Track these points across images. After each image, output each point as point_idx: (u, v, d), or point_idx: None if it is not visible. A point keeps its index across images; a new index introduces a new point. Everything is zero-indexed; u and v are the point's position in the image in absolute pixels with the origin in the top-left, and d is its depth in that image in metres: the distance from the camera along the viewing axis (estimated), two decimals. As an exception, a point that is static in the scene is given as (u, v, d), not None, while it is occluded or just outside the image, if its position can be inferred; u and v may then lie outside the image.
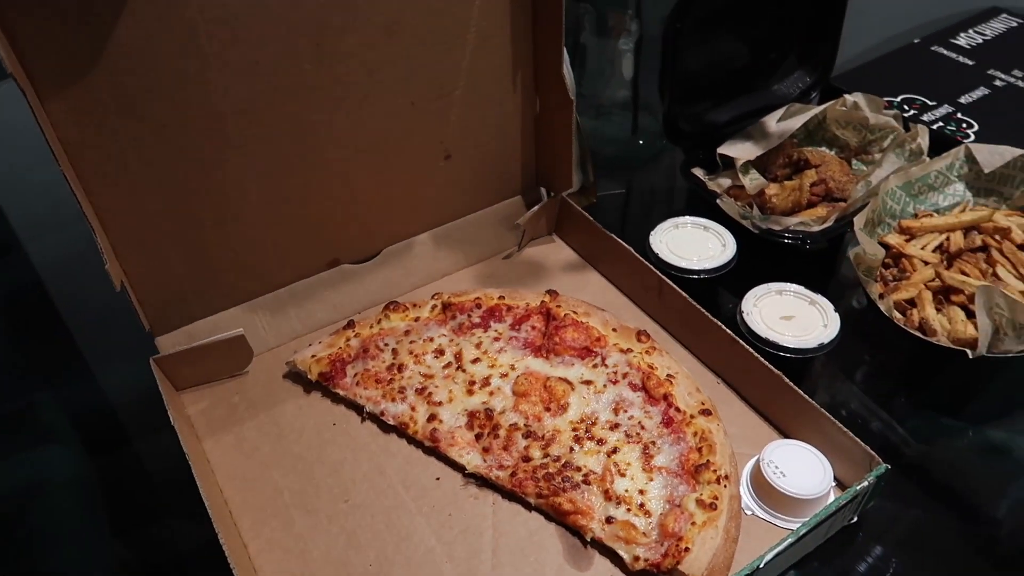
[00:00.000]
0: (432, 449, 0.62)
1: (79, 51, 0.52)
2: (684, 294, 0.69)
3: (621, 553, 0.54)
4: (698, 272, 0.75)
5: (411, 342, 0.70)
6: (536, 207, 0.81)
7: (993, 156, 0.77)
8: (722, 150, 0.83)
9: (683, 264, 0.76)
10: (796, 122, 0.84)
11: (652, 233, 0.79)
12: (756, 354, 0.63)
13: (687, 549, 0.52)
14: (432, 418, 0.64)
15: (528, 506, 0.59)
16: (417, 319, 0.73)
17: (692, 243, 0.78)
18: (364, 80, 0.65)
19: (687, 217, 0.80)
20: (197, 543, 0.60)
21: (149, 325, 0.66)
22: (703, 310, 0.67)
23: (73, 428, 0.72)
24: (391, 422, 0.64)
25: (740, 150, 0.83)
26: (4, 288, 0.88)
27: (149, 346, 0.67)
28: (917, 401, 0.69)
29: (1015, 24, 1.10)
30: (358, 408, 0.66)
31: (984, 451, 0.65)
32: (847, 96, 0.87)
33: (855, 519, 0.57)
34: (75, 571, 0.61)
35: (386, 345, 0.70)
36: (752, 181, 0.82)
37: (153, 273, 0.64)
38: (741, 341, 0.64)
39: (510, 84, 0.74)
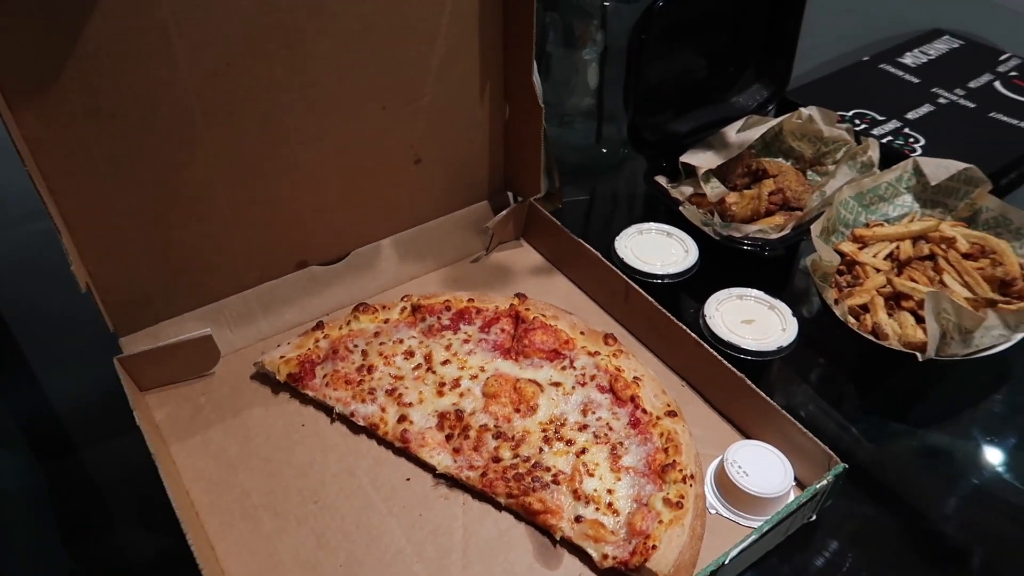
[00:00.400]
0: (402, 450, 0.62)
1: (47, 50, 0.50)
2: (650, 298, 0.70)
3: (590, 551, 0.54)
4: (662, 277, 0.76)
5: (381, 343, 0.69)
6: (505, 211, 0.81)
7: (939, 169, 0.79)
8: (684, 159, 0.85)
9: (647, 269, 0.76)
10: (754, 133, 0.86)
11: (617, 238, 0.79)
12: (720, 358, 0.63)
13: (654, 547, 0.53)
14: (402, 419, 0.63)
15: (498, 506, 0.59)
16: (387, 321, 0.72)
17: (656, 249, 0.79)
18: (335, 84, 0.64)
19: (651, 223, 0.81)
20: (151, 553, 0.59)
21: (113, 326, 0.64)
22: (668, 314, 0.68)
23: (22, 433, 0.69)
24: (361, 423, 0.63)
25: (701, 159, 0.85)
26: None
27: (104, 348, 0.65)
28: (869, 403, 0.71)
29: (956, 45, 1.15)
30: (327, 409, 0.65)
31: (929, 452, 0.67)
32: (802, 109, 0.89)
33: (814, 517, 0.59)
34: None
35: (356, 346, 0.69)
36: (713, 189, 0.83)
37: (118, 273, 0.62)
38: (705, 345, 0.65)
39: (480, 91, 0.74)
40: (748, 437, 0.63)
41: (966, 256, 0.72)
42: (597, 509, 0.56)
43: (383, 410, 0.64)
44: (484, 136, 0.78)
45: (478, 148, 0.78)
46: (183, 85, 0.56)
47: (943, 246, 0.73)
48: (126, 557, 0.59)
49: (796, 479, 0.59)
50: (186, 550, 0.49)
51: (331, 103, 0.65)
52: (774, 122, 0.88)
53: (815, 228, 0.72)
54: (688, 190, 0.86)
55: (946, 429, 0.69)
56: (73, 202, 0.57)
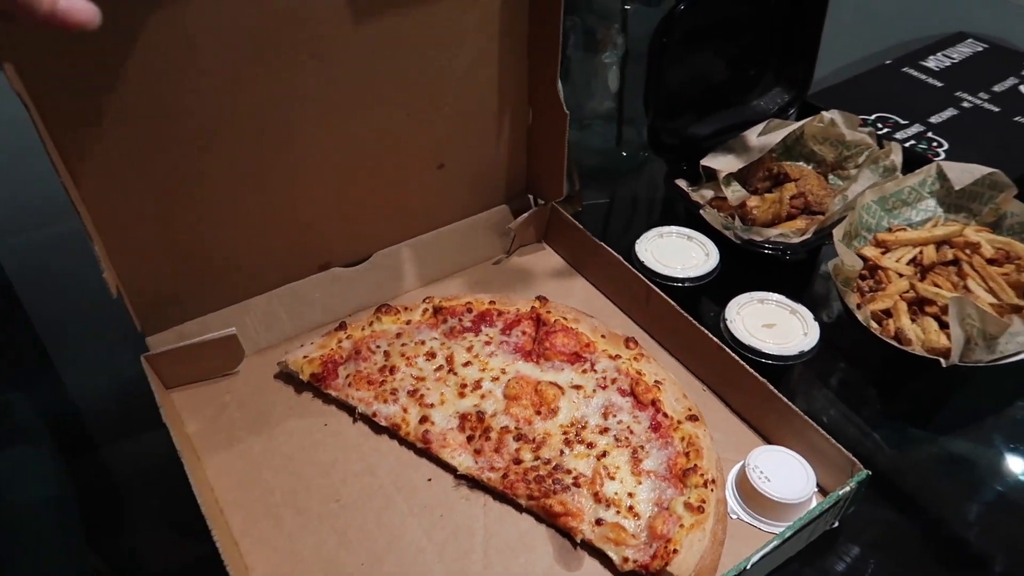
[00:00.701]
0: (424, 450, 0.62)
1: (79, 62, 0.50)
2: (671, 302, 0.69)
3: (610, 554, 0.54)
4: (682, 280, 0.75)
5: (403, 345, 0.69)
6: (527, 213, 0.80)
7: (963, 174, 0.78)
8: (705, 162, 0.84)
9: (667, 272, 0.76)
10: (775, 137, 0.85)
11: (637, 241, 0.79)
12: (742, 362, 0.63)
13: (675, 551, 0.52)
14: (424, 420, 0.63)
15: (519, 508, 0.58)
16: (408, 322, 0.72)
17: (676, 252, 0.78)
18: (360, 92, 0.64)
19: (671, 227, 0.81)
20: (175, 551, 0.59)
21: (140, 326, 0.64)
22: (690, 318, 0.67)
23: (47, 429, 0.69)
24: (383, 423, 0.63)
25: (722, 162, 0.84)
26: None
27: (129, 348, 0.65)
28: (891, 409, 0.70)
29: (980, 49, 1.13)
30: (350, 409, 0.65)
31: (952, 459, 0.66)
32: (824, 113, 0.88)
33: (836, 524, 0.58)
34: (47, 573, 0.58)
35: (378, 347, 0.69)
36: (734, 193, 0.83)
37: (146, 274, 0.63)
38: (727, 349, 0.64)
39: (503, 97, 0.74)
40: (770, 442, 0.62)
41: (990, 261, 0.71)
42: (618, 512, 0.56)
43: (405, 410, 0.64)
44: (507, 141, 0.78)
45: (501, 153, 0.78)
46: (209, 94, 0.57)
47: (967, 251, 0.72)
48: (150, 556, 0.60)
49: (818, 485, 0.58)
50: (208, 549, 0.49)
51: (356, 111, 0.65)
52: (795, 126, 0.86)
53: (837, 232, 0.71)
54: (708, 193, 0.85)
55: (969, 435, 0.68)
56: (103, 208, 0.57)
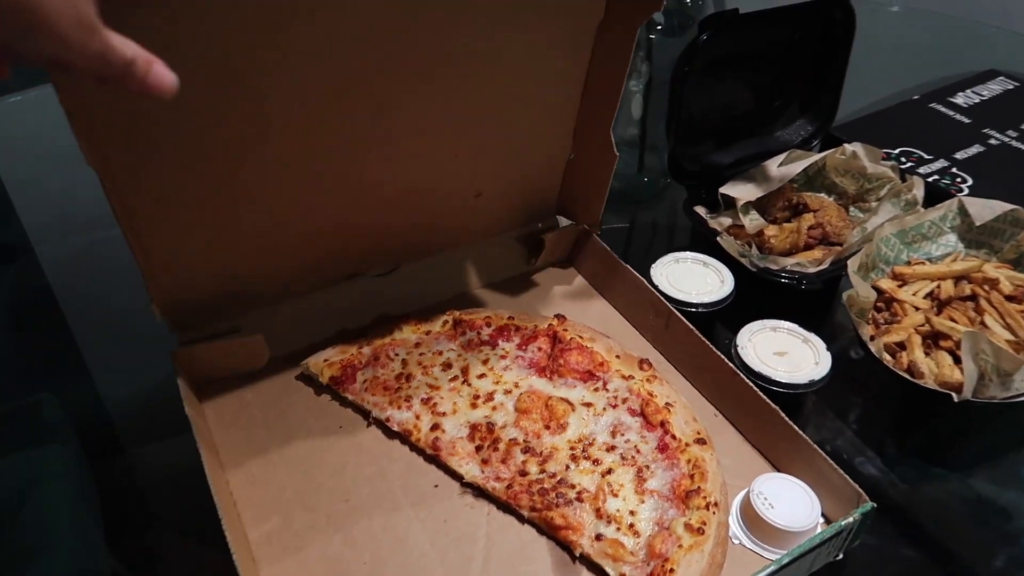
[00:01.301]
0: (433, 457, 0.62)
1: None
2: (690, 326, 0.68)
3: (608, 569, 0.53)
4: (696, 305, 0.75)
5: (420, 354, 0.70)
6: (561, 228, 0.80)
7: (985, 210, 0.76)
8: (724, 190, 0.83)
9: (682, 297, 0.75)
10: (796, 167, 0.84)
11: (653, 266, 0.78)
12: (755, 388, 0.62)
13: (672, 570, 0.51)
14: (435, 427, 0.63)
15: (521, 518, 0.58)
16: (428, 332, 0.73)
17: (691, 277, 0.78)
18: (414, 137, 0.64)
19: (687, 252, 0.80)
20: (191, 556, 0.59)
21: (171, 326, 0.66)
22: (707, 342, 0.66)
23: (74, 429, 0.68)
24: (396, 428, 0.64)
25: (741, 191, 0.83)
26: (14, 289, 0.86)
27: (159, 352, 0.66)
28: (904, 443, 0.68)
29: (1011, 87, 1.10)
30: (365, 413, 0.66)
31: (966, 496, 0.64)
32: (846, 146, 0.87)
33: (841, 556, 0.56)
34: (67, 573, 0.57)
35: (396, 355, 0.69)
36: (752, 221, 0.82)
37: (178, 278, 0.64)
38: (742, 375, 0.63)
39: (551, 135, 0.74)
40: (779, 470, 0.61)
41: (1009, 298, 0.69)
42: (618, 529, 0.55)
43: (417, 417, 0.64)
44: (546, 172, 0.78)
45: (538, 181, 0.78)
46: (258, 121, 0.56)
47: (986, 287, 0.70)
48: (167, 559, 0.60)
49: (825, 516, 0.57)
50: (225, 555, 0.49)
51: (406, 153, 0.65)
52: (816, 157, 0.86)
53: (852, 263, 0.70)
54: (727, 221, 0.84)
55: (984, 474, 0.65)
56: (144, 219, 0.57)
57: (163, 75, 0.36)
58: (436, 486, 0.60)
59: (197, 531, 0.59)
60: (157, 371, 0.64)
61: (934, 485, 0.65)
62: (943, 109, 1.05)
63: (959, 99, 1.07)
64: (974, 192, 0.88)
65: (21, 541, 0.57)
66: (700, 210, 0.85)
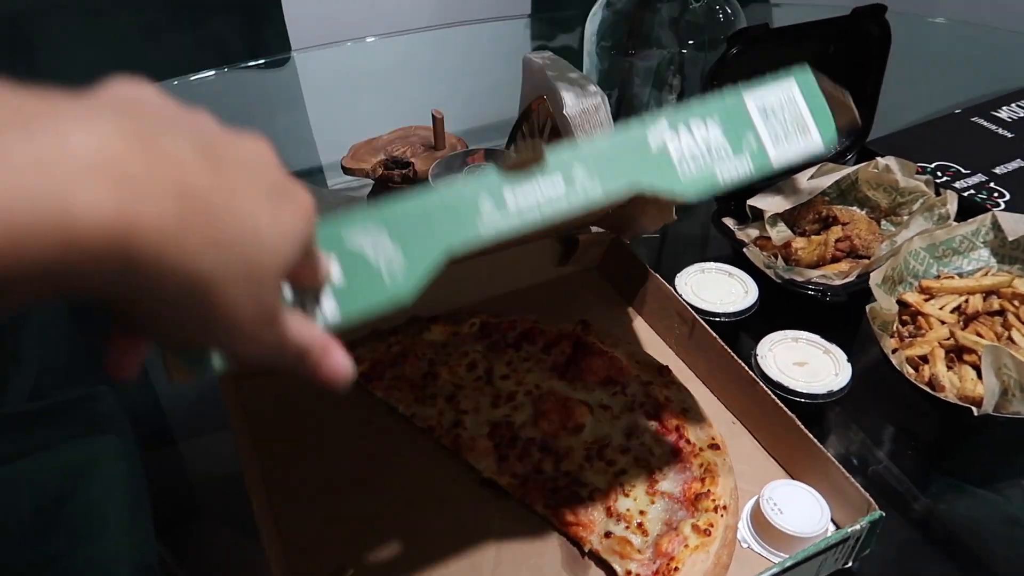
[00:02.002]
0: (453, 452, 0.64)
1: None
2: (714, 334, 0.68)
3: (615, 566, 0.54)
4: (719, 315, 0.75)
5: (447, 354, 0.72)
6: (595, 232, 0.81)
7: (1018, 224, 0.74)
8: (752, 202, 0.83)
9: (705, 307, 0.75)
10: (826, 181, 0.83)
11: (678, 276, 0.79)
12: (774, 397, 0.62)
13: (677, 569, 0.52)
14: (457, 424, 0.65)
15: (534, 514, 0.59)
16: (456, 334, 0.75)
17: (716, 287, 0.78)
18: None
19: (712, 263, 0.80)
20: (234, 547, 0.61)
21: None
22: (730, 351, 0.66)
23: (128, 422, 0.71)
24: (419, 424, 0.66)
25: (770, 203, 0.83)
26: None
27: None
28: (924, 456, 0.67)
29: (1059, 102, 1.07)
30: (391, 408, 0.68)
31: (992, 515, 0.63)
32: (879, 159, 0.86)
33: (850, 564, 0.56)
34: (116, 560, 0.59)
35: (424, 354, 0.72)
36: (779, 233, 0.82)
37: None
38: (760, 383, 0.63)
39: None
40: (793, 478, 0.61)
41: (1039, 315, 0.67)
42: (627, 527, 0.56)
43: (440, 414, 0.66)
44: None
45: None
46: None
47: (1015, 302, 0.68)
48: (212, 549, 0.62)
49: (836, 524, 0.57)
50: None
51: None
52: (847, 170, 0.85)
53: (875, 276, 0.70)
54: (754, 232, 0.84)
55: (1009, 491, 0.64)
56: None
57: (338, 364, 0.32)
58: (454, 480, 0.62)
59: (242, 523, 0.60)
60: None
61: (957, 500, 0.64)
62: (986, 123, 1.02)
63: (1003, 113, 1.04)
64: (1011, 207, 0.85)
65: (74, 526, 0.60)
66: (728, 221, 0.86)
